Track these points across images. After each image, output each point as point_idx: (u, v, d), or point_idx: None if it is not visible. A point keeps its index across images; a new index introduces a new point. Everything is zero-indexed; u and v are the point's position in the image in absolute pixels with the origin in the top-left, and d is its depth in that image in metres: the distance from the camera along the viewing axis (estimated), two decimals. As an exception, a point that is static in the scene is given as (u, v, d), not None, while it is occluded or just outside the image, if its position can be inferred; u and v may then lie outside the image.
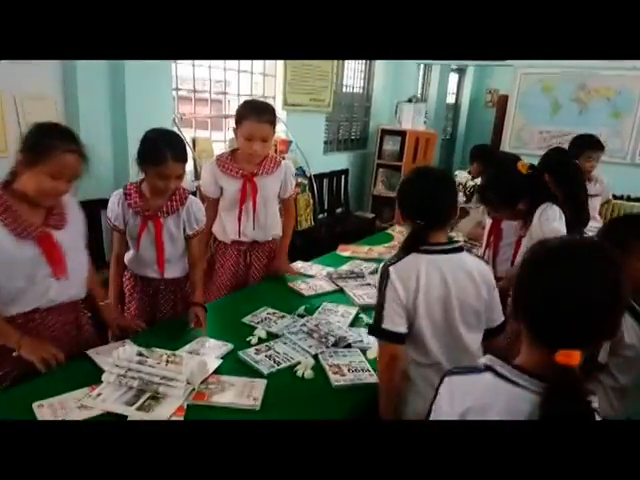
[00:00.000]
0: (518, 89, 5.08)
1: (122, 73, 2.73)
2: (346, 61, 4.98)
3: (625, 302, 0.81)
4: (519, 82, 5.06)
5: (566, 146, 4.86)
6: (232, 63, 3.79)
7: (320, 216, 4.61)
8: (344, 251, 2.73)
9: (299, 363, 1.50)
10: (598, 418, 0.77)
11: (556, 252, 0.83)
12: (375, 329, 1.31)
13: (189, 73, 3.43)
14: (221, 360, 1.49)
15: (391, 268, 1.29)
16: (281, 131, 4.08)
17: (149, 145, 1.67)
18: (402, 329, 1.28)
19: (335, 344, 1.62)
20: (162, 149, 1.62)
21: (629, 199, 4.64)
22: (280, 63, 4.03)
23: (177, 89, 3.31)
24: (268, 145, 2.02)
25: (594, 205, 3.01)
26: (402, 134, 5.06)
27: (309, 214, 4.03)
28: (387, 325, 1.27)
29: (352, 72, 5.24)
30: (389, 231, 3.24)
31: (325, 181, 4.71)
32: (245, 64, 3.91)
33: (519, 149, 5.11)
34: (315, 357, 1.56)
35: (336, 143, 5.18)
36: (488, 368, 0.85)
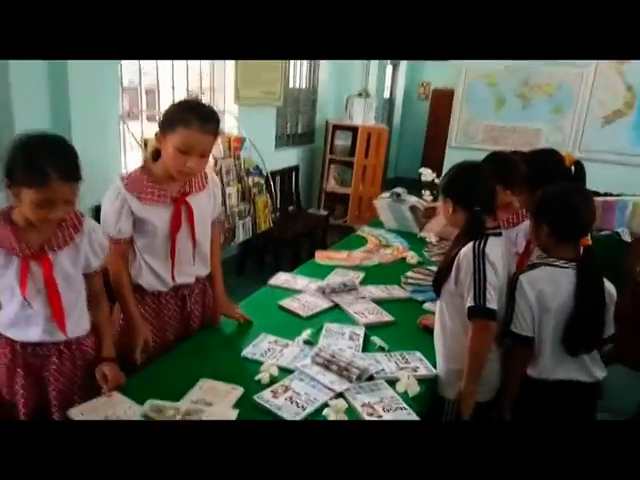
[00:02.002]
0: (464, 84, 5.13)
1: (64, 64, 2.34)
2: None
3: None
4: (464, 77, 5.11)
5: (510, 141, 5.04)
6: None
7: (272, 216, 4.39)
8: (323, 259, 2.55)
9: (327, 405, 1.31)
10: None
11: (573, 189, 1.56)
12: (480, 310, 1.40)
13: (135, 64, 3.05)
14: (237, 410, 1.26)
15: (486, 250, 1.43)
16: (233, 127, 3.80)
17: (23, 158, 1.15)
18: (496, 306, 1.41)
19: (359, 378, 1.44)
20: (43, 164, 1.13)
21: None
22: (230, 53, 3.72)
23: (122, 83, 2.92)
24: (206, 162, 1.52)
25: None
26: (354, 129, 4.93)
27: (267, 215, 3.79)
28: (491, 304, 1.39)
29: (298, 64, 5.03)
30: (359, 233, 3.09)
31: (277, 178, 4.48)
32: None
33: (466, 144, 5.19)
34: (340, 395, 1.37)
35: (285, 138, 4.96)
36: (542, 264, 1.48)
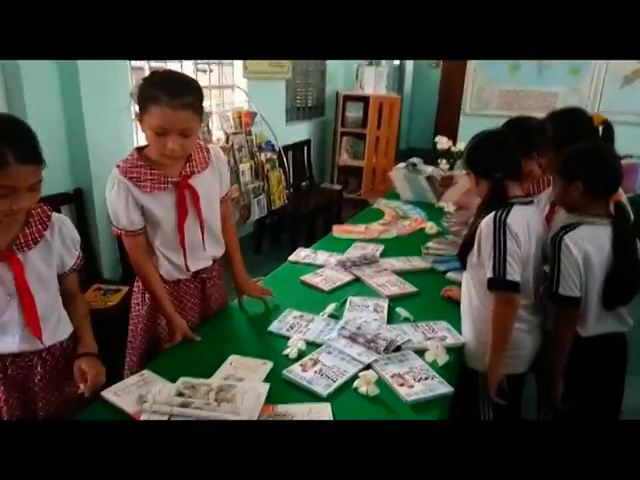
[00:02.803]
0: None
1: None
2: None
3: None
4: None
5: (526, 105, 4.90)
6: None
7: (286, 192, 4.36)
8: (341, 232, 2.53)
9: (357, 377, 1.31)
10: None
11: (599, 145, 1.58)
12: (500, 282, 1.37)
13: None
14: (269, 384, 1.26)
15: (508, 220, 1.38)
16: (244, 101, 3.75)
17: None
18: (519, 278, 1.38)
19: (386, 349, 1.43)
20: None
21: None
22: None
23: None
24: (192, 141, 1.36)
25: None
26: (365, 100, 4.84)
27: (281, 191, 3.76)
28: (511, 276, 1.37)
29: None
30: (376, 206, 3.06)
31: (290, 154, 4.43)
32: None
33: (480, 110, 5.08)
34: (368, 367, 1.37)
35: (295, 112, 4.88)
36: (581, 223, 1.44)
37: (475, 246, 1.47)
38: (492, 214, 1.41)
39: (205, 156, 1.50)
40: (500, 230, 1.38)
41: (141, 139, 3.00)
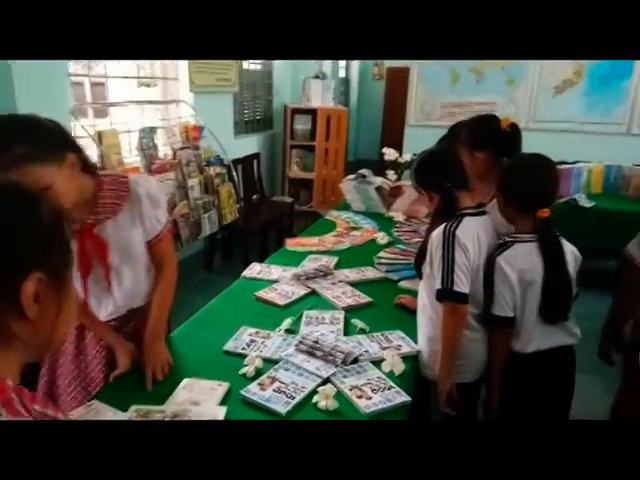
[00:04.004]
0: (418, 62, 5.14)
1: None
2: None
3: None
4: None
5: (467, 116, 5.11)
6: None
7: (237, 206, 4.31)
8: (294, 246, 2.53)
9: (316, 392, 1.30)
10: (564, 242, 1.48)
11: (530, 161, 1.53)
12: (448, 293, 1.39)
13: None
14: (225, 407, 1.23)
15: (457, 232, 1.40)
16: (190, 116, 3.70)
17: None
18: (467, 289, 1.40)
19: (344, 361, 1.43)
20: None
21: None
22: (180, 40, 3.59)
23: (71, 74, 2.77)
24: (61, 192, 1.07)
25: None
26: (313, 112, 4.88)
27: (232, 206, 3.72)
28: (459, 287, 1.39)
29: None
30: (328, 218, 3.08)
31: (239, 167, 4.39)
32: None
33: (424, 121, 5.24)
34: (327, 381, 1.36)
35: (243, 125, 4.86)
36: (514, 242, 1.46)
37: (427, 257, 1.50)
38: (442, 226, 1.44)
39: (119, 195, 1.27)
40: (449, 242, 1.40)
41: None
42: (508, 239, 1.50)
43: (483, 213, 1.53)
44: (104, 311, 1.42)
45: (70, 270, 0.65)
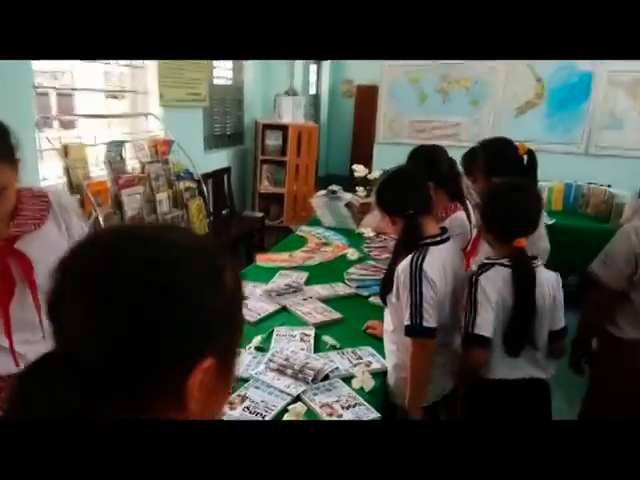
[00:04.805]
0: (387, 81, 5.26)
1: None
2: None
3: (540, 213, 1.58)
4: (386, 74, 5.24)
5: (433, 135, 5.24)
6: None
7: (206, 221, 4.27)
8: (265, 261, 2.52)
9: (286, 411, 1.29)
10: (539, 266, 1.45)
11: (509, 190, 1.50)
12: (417, 329, 1.37)
13: (46, 65, 2.84)
14: (194, 427, 1.21)
15: (424, 266, 1.37)
16: (159, 130, 3.66)
17: None
18: (435, 323, 1.38)
19: (314, 379, 1.43)
20: None
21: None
22: (150, 54, 3.56)
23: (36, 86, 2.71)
24: (9, 197, 1.08)
25: None
26: (284, 128, 4.91)
27: (202, 220, 3.68)
28: (428, 323, 1.37)
29: (222, 63, 4.92)
30: (298, 233, 3.09)
31: (209, 182, 4.36)
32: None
33: (392, 139, 5.34)
34: (297, 399, 1.36)
35: (214, 140, 4.84)
36: (495, 264, 1.44)
37: (394, 289, 1.45)
38: (409, 259, 1.39)
39: (40, 207, 1.18)
40: (416, 277, 1.36)
41: (47, 172, 2.81)
42: (487, 262, 1.48)
43: (447, 239, 1.49)
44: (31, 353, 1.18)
45: (239, 350, 0.53)
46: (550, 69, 4.74)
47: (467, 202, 2.13)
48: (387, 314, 1.57)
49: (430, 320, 1.37)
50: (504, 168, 1.78)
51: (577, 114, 4.81)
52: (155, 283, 0.42)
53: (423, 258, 1.38)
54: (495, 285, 1.41)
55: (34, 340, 1.14)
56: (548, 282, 1.45)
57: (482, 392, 1.49)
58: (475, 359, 1.45)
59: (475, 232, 1.92)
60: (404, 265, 1.41)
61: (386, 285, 1.50)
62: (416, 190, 1.49)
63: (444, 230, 1.52)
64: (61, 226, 1.21)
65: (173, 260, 0.44)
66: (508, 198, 1.47)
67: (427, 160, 1.99)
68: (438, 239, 1.46)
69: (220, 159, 4.78)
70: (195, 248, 0.47)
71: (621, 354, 1.72)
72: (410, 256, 1.40)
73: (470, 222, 2.03)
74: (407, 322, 1.38)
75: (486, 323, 1.40)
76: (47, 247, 1.13)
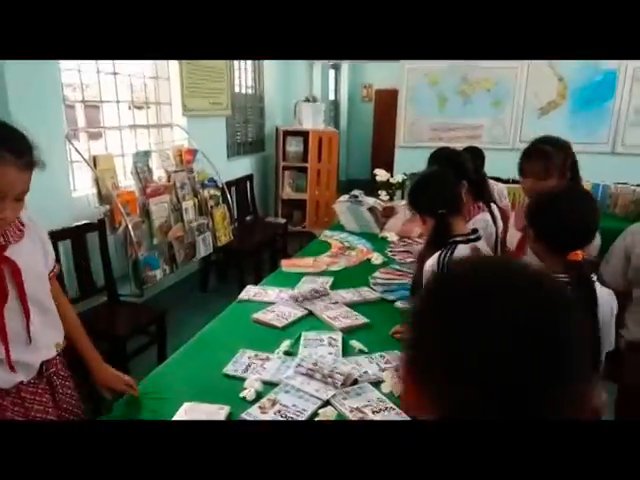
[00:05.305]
0: (406, 84, 5.26)
1: (2, 79, 2.22)
2: (235, 61, 4.69)
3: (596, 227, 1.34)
4: (407, 77, 5.24)
5: (455, 137, 5.20)
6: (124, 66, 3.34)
7: (231, 228, 4.33)
8: (289, 267, 2.54)
9: (316, 415, 1.30)
10: (597, 286, 1.26)
11: (567, 195, 1.36)
12: None
13: (75, 77, 2.93)
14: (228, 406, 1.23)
15: (451, 262, 1.33)
16: (183, 139, 3.73)
17: None
18: None
19: (343, 383, 1.44)
20: None
21: (514, 182, 5.08)
22: (174, 64, 3.65)
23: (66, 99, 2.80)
24: (21, 206, 1.13)
25: None
26: (304, 134, 4.95)
27: (226, 227, 3.73)
28: None
29: (242, 72, 5.00)
30: (322, 238, 3.10)
31: (233, 189, 4.42)
32: (134, 66, 3.47)
33: (413, 142, 5.33)
34: (327, 403, 1.37)
35: (236, 147, 4.91)
36: None
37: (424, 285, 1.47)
38: (436, 255, 1.44)
39: (19, 222, 1.22)
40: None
41: (79, 185, 2.90)
42: None
43: (477, 239, 1.53)
44: (27, 356, 1.23)
45: None
46: (572, 68, 4.68)
47: (492, 205, 2.12)
48: None
49: None
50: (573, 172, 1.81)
51: (602, 113, 4.73)
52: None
53: (451, 254, 1.42)
54: None
55: (21, 349, 1.19)
56: (607, 301, 1.28)
57: None
58: None
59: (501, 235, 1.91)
60: (431, 262, 1.44)
61: (417, 286, 1.54)
62: (447, 190, 1.55)
63: (475, 231, 1.55)
64: (36, 242, 1.27)
65: (563, 305, 0.53)
66: (567, 204, 1.30)
67: (451, 162, 1.99)
68: (465, 238, 1.50)
69: (243, 166, 4.84)
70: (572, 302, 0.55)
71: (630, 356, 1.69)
72: (438, 253, 1.43)
73: (496, 225, 2.02)
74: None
75: None
76: (29, 257, 1.21)
